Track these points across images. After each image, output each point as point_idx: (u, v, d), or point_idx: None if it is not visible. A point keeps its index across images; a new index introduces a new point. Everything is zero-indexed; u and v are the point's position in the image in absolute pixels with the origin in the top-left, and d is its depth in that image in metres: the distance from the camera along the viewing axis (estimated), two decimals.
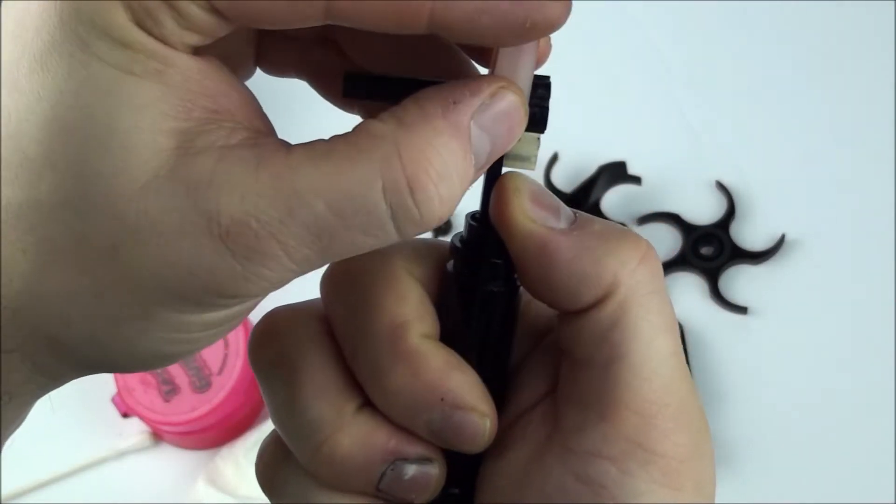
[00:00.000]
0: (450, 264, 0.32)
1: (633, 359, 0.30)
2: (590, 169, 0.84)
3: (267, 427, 0.75)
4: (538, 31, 0.27)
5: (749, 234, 0.85)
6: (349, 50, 0.32)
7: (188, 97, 0.26)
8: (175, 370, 0.73)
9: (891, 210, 0.85)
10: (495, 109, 0.28)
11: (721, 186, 0.85)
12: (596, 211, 0.83)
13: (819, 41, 0.92)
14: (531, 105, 0.29)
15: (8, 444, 0.85)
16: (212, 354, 0.73)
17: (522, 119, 0.29)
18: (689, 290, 0.83)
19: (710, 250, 0.83)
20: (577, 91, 0.89)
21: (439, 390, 0.30)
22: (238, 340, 0.73)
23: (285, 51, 0.33)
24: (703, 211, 0.85)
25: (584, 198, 0.83)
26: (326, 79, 0.33)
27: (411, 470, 0.31)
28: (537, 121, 0.30)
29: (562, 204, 0.31)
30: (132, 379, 0.73)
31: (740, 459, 0.78)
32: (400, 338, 0.30)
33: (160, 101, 0.26)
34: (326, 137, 0.27)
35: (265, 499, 0.34)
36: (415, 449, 0.31)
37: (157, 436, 0.78)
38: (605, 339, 0.30)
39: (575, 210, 0.31)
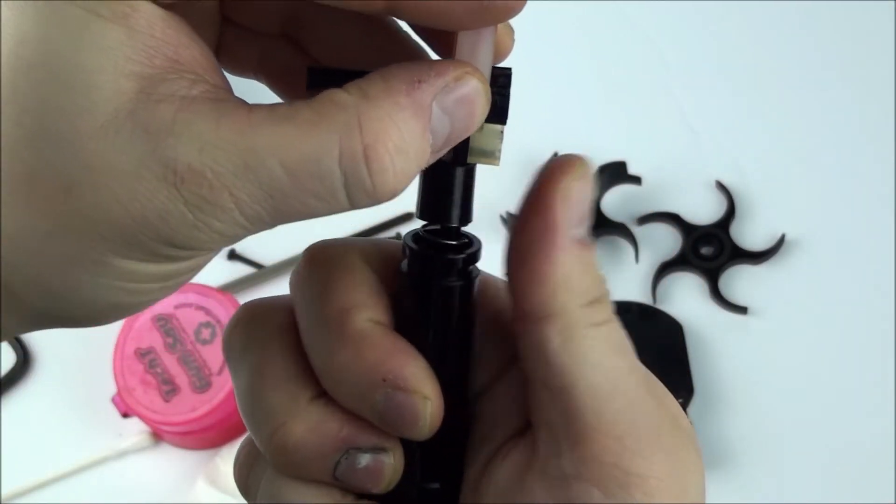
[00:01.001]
0: (403, 264, 0.32)
1: (585, 383, 0.30)
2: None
3: None
4: (495, 14, 0.28)
5: (749, 234, 0.85)
6: (311, 48, 0.33)
7: (152, 43, 0.27)
8: (175, 370, 0.73)
9: (891, 210, 0.85)
10: (458, 93, 0.28)
11: (721, 186, 0.85)
12: (596, 211, 0.83)
13: (819, 41, 0.92)
14: (492, 94, 0.30)
15: (8, 444, 0.85)
16: (212, 354, 0.73)
17: (484, 106, 0.29)
18: (689, 290, 0.83)
19: (710, 250, 0.83)
20: (577, 91, 0.89)
21: (381, 371, 0.31)
22: None
23: (247, 48, 0.33)
24: (703, 211, 0.85)
25: None
26: (286, 79, 0.33)
27: (365, 459, 0.31)
28: (498, 110, 0.30)
29: (588, 220, 0.31)
30: (132, 379, 0.73)
31: (740, 459, 0.78)
32: (346, 321, 0.31)
33: (124, 44, 0.26)
34: None
35: None
36: (368, 438, 0.31)
37: (157, 436, 0.78)
38: (553, 364, 0.30)
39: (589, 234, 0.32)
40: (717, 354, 0.81)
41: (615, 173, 0.84)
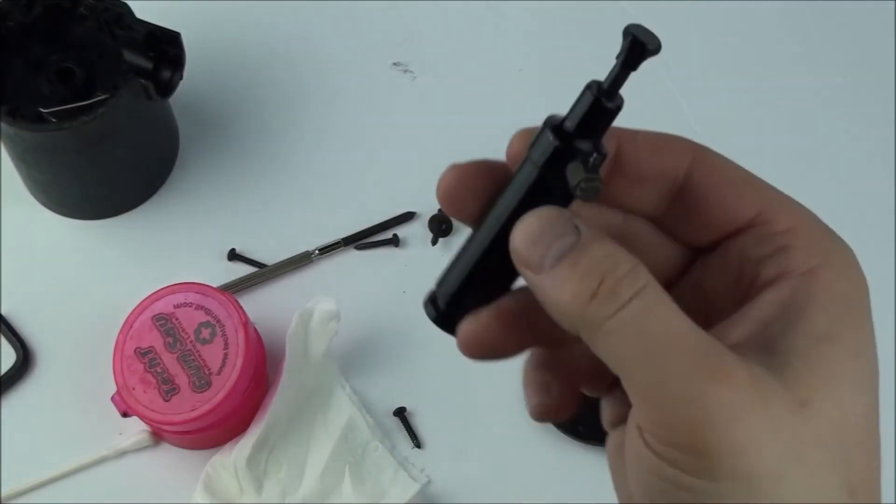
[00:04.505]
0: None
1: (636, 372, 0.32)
2: None
3: (260, 432, 0.75)
4: None
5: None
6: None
7: None
8: (175, 370, 0.73)
9: (891, 210, 0.85)
10: None
11: None
12: None
13: (819, 41, 0.92)
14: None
15: (8, 444, 0.86)
16: (211, 354, 0.73)
17: None
18: None
19: None
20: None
21: None
22: (238, 340, 0.73)
23: None
24: None
25: None
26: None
27: None
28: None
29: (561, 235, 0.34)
30: (132, 378, 0.73)
31: None
32: None
33: None
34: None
35: None
36: None
37: (157, 435, 0.78)
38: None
39: None
40: None
41: None
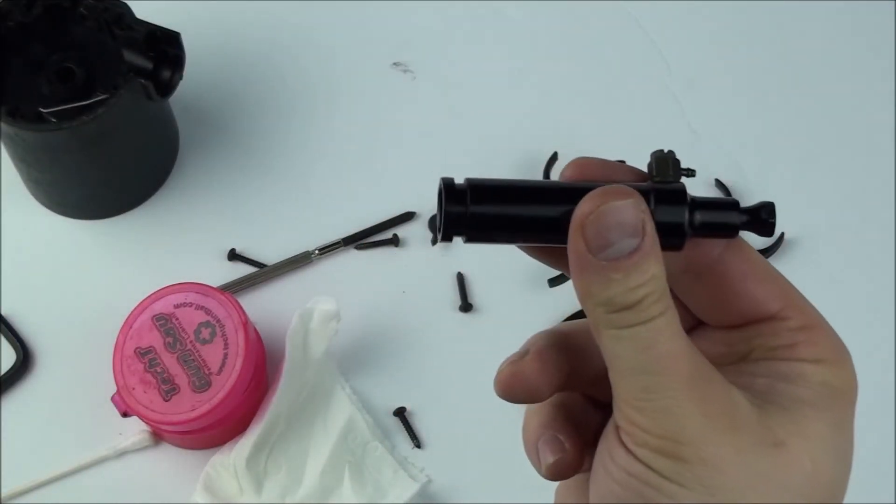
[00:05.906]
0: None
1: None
2: None
3: (260, 432, 0.75)
4: None
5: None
6: None
7: None
8: (175, 370, 0.73)
9: (891, 209, 0.85)
10: None
11: (720, 184, 0.85)
12: None
13: (819, 41, 0.92)
14: None
15: (8, 444, 0.86)
16: (211, 354, 0.73)
17: None
18: None
19: None
20: (577, 91, 0.89)
21: None
22: (238, 341, 0.73)
23: None
24: None
25: None
26: None
27: None
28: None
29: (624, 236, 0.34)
30: (132, 378, 0.73)
31: None
32: None
33: None
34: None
35: None
36: None
37: (157, 435, 0.78)
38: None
39: None
40: None
41: None
